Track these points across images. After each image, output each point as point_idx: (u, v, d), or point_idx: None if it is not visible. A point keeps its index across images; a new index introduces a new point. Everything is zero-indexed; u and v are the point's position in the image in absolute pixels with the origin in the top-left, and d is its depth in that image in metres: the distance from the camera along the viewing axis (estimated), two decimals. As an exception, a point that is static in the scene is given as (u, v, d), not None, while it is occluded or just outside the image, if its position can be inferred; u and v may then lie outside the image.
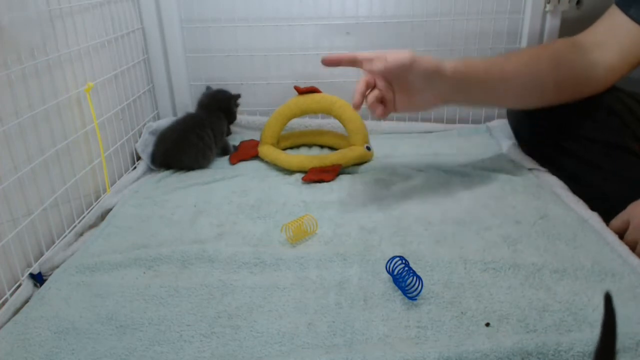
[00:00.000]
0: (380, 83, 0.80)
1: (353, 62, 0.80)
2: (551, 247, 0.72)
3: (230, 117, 1.14)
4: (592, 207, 0.81)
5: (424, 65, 0.77)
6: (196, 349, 0.57)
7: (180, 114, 1.20)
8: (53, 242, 0.79)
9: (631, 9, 0.85)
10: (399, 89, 0.80)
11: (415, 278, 0.63)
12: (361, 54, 0.80)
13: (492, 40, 1.19)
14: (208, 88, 1.16)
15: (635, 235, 0.73)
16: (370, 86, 0.81)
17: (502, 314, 0.59)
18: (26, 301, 0.67)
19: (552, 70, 0.85)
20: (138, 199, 0.91)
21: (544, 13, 1.15)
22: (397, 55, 0.77)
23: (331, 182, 0.95)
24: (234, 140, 1.16)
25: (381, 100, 0.81)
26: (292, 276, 0.68)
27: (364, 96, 0.80)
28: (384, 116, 0.80)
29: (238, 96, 1.15)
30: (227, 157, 1.08)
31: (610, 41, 0.86)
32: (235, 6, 1.17)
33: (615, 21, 0.87)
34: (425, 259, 0.69)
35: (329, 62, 0.81)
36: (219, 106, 1.11)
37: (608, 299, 0.38)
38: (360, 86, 0.80)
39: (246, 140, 1.14)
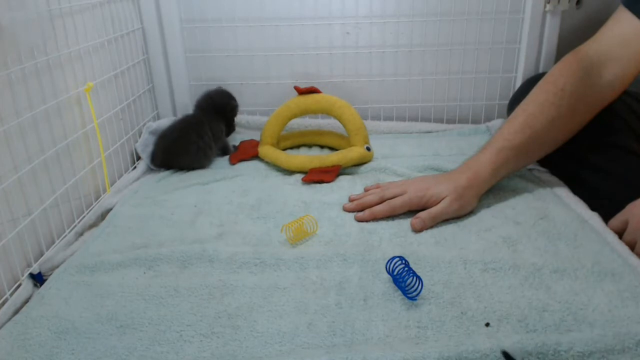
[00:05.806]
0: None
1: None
2: (551, 247, 0.72)
3: (229, 127, 1.14)
4: (592, 207, 0.81)
5: (470, 205, 0.81)
6: (196, 349, 0.57)
7: (180, 114, 1.20)
8: (53, 242, 0.79)
9: None
10: None
11: (415, 278, 0.63)
12: (397, 208, 0.81)
13: (492, 40, 1.19)
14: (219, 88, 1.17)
15: (634, 235, 0.72)
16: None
17: (502, 314, 0.59)
18: (26, 301, 0.67)
19: (571, 112, 0.83)
20: (138, 198, 0.91)
21: (544, 13, 1.15)
22: (442, 211, 0.79)
23: (331, 183, 0.95)
24: (234, 140, 1.16)
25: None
26: (292, 276, 0.68)
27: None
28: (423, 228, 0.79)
29: (235, 106, 1.12)
30: (227, 157, 1.08)
31: (620, 49, 0.83)
32: (236, 6, 1.17)
33: (624, 26, 0.84)
34: (426, 259, 0.69)
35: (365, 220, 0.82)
36: (213, 106, 1.10)
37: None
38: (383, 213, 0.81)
39: (246, 140, 1.14)
